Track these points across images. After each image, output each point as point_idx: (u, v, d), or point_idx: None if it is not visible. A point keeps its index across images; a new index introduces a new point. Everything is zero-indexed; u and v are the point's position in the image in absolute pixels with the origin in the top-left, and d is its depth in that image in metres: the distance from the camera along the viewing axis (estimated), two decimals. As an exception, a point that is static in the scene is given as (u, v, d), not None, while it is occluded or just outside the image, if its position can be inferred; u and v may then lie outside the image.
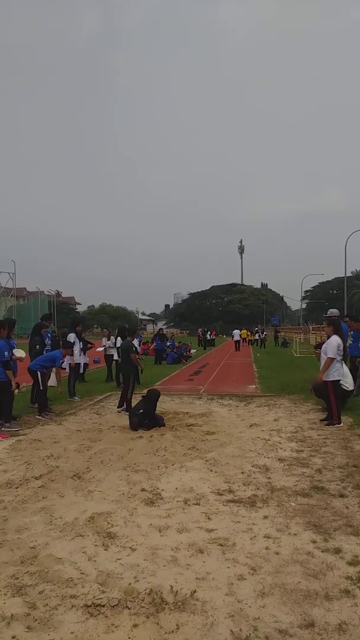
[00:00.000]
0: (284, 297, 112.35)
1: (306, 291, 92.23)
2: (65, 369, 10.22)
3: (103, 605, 2.60)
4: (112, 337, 12.97)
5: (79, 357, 10.97)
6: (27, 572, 2.97)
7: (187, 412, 8.33)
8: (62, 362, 13.29)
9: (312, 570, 2.97)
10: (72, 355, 10.03)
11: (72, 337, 10.66)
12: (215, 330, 45.20)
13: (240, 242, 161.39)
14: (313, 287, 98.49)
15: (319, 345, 8.96)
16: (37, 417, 7.92)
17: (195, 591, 2.74)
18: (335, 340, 7.21)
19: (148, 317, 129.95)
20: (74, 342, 10.47)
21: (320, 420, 7.46)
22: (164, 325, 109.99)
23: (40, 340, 9.23)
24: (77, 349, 10.71)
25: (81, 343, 11.24)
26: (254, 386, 12.45)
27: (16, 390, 9.72)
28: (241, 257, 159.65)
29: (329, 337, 7.46)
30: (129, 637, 2.35)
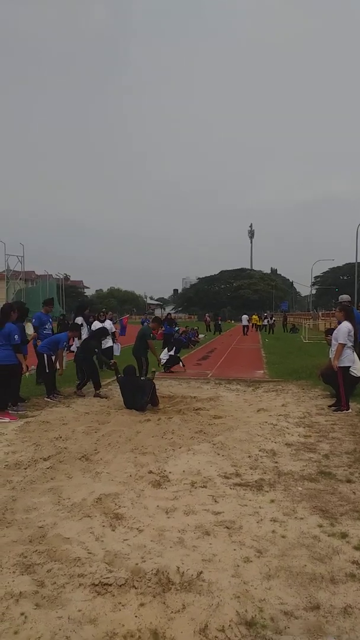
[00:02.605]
0: (294, 283, 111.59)
1: (316, 277, 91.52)
2: (73, 352, 10.29)
3: (110, 584, 2.63)
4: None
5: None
6: (36, 551, 3.01)
7: (195, 397, 8.36)
8: (71, 345, 13.42)
9: (318, 554, 2.97)
10: (80, 338, 10.06)
11: (79, 320, 10.68)
12: (220, 315, 44.29)
13: (250, 226, 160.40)
14: (323, 272, 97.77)
15: (329, 331, 8.89)
16: (45, 399, 7.97)
17: (201, 572, 2.76)
18: (345, 326, 7.15)
19: (156, 302, 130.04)
20: (81, 324, 10.52)
21: (329, 406, 7.44)
22: (172, 309, 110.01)
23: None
24: (84, 332, 10.74)
25: (89, 327, 11.29)
26: (262, 371, 12.43)
27: (27, 373, 9.81)
28: (251, 242, 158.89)
29: (339, 323, 7.40)
30: (136, 616, 2.38)
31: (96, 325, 12.33)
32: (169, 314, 29.71)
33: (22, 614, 2.39)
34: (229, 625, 2.30)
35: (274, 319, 37.13)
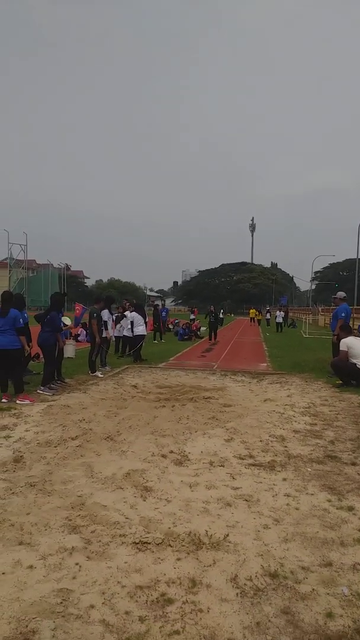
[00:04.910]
0: (294, 278, 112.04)
1: (316, 272, 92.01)
2: (82, 341, 10.77)
3: (149, 543, 3.02)
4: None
5: (111, 331, 11.73)
6: (79, 515, 3.39)
7: (203, 386, 8.74)
8: (79, 335, 13.94)
9: (328, 523, 3.36)
10: (106, 329, 10.69)
11: (105, 314, 11.03)
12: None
13: (252, 220, 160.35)
14: (323, 268, 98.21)
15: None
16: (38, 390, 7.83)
17: (227, 535, 3.15)
18: None
19: (156, 294, 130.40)
20: (107, 318, 11.14)
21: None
22: (172, 302, 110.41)
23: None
24: (110, 323, 11.46)
25: (114, 317, 12.16)
26: (266, 364, 12.83)
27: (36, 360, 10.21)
28: (252, 236, 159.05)
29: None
30: (174, 568, 2.77)
31: (128, 315, 13.10)
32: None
33: (76, 564, 2.78)
34: (256, 576, 2.69)
35: (282, 313, 34.03)
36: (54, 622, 2.26)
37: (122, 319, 13.28)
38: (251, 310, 44.29)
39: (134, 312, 12.92)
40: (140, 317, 12.74)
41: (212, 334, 21.14)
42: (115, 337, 13.30)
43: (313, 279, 78.16)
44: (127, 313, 13.47)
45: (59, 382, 8.56)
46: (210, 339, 20.79)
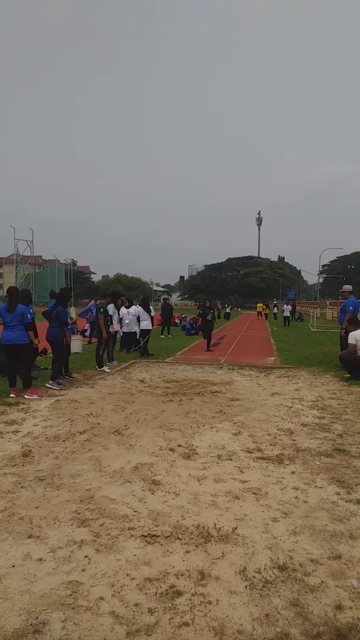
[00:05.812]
0: (301, 271, 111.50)
1: (324, 265, 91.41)
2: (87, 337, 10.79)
3: (158, 536, 3.03)
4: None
5: (116, 326, 11.82)
6: (87, 508, 3.41)
7: (211, 381, 8.74)
8: (86, 331, 13.92)
9: (337, 516, 3.36)
10: (111, 323, 10.80)
11: (110, 308, 11.03)
12: (207, 300, 42.29)
13: (259, 214, 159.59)
14: (331, 261, 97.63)
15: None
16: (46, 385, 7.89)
17: (236, 528, 3.15)
18: None
19: (162, 289, 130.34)
20: (112, 312, 11.16)
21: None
22: (178, 297, 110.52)
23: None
24: (115, 318, 11.58)
25: (118, 313, 12.19)
26: (273, 358, 12.79)
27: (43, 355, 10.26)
28: (259, 229, 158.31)
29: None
30: (183, 560, 2.77)
31: (123, 311, 13.06)
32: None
33: (85, 556, 2.80)
34: (264, 568, 2.69)
35: (289, 306, 33.71)
36: (63, 613, 2.28)
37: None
38: (258, 304, 44.26)
39: (139, 307, 12.90)
40: (145, 312, 12.74)
41: (207, 339, 14.97)
42: (123, 332, 13.27)
43: (320, 273, 77.65)
44: (122, 310, 13.35)
45: (66, 377, 8.60)
46: (208, 347, 14.84)
